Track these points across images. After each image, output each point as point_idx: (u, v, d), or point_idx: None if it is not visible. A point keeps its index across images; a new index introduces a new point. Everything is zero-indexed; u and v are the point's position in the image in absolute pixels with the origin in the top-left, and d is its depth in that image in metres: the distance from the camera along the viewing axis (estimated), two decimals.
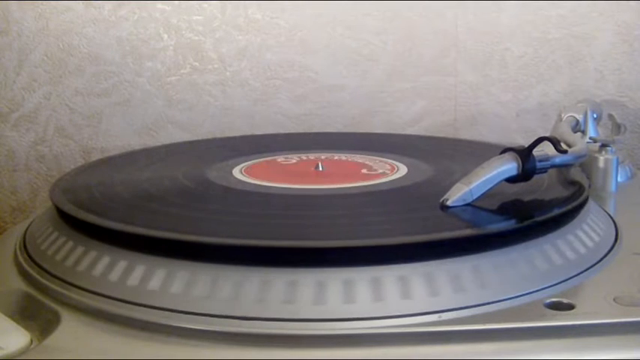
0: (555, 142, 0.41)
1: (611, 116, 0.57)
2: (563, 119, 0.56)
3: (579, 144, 0.45)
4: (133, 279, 0.33)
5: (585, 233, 0.38)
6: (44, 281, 0.35)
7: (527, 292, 0.32)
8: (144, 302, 0.32)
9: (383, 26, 0.70)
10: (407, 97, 0.71)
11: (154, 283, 0.32)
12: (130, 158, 0.55)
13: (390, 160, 0.51)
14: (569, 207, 0.39)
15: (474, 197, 0.38)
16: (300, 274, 0.31)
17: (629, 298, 0.32)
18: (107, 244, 0.35)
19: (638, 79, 0.69)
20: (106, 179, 0.47)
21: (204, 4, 0.68)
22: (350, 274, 0.31)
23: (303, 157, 0.53)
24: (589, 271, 0.35)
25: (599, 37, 0.69)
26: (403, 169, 0.48)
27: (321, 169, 0.49)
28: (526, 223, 0.37)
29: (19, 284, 0.36)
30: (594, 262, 0.36)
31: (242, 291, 0.31)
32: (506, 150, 0.40)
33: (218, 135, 0.69)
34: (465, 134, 0.72)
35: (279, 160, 0.53)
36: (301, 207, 0.41)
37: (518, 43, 0.70)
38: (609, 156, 0.51)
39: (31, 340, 0.31)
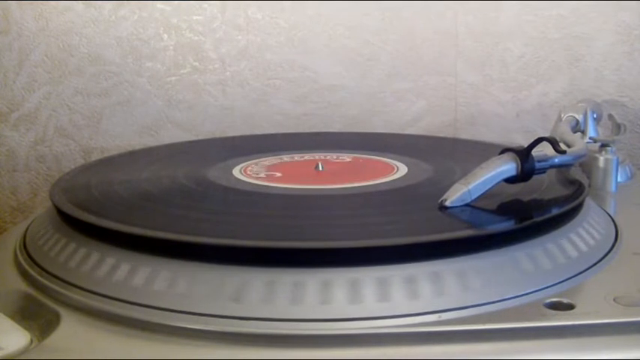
0: (554, 143, 0.41)
1: (611, 116, 0.57)
2: (563, 119, 0.56)
3: (578, 144, 0.45)
4: (134, 279, 0.33)
5: (585, 233, 0.38)
6: (44, 281, 0.35)
7: (527, 292, 0.32)
8: (144, 302, 0.32)
9: (383, 26, 0.70)
10: (407, 97, 0.71)
11: (155, 283, 0.32)
12: (130, 158, 0.55)
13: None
14: (569, 207, 0.39)
15: (473, 197, 0.38)
16: (305, 275, 0.31)
17: (629, 298, 0.32)
18: (107, 244, 0.35)
19: (638, 79, 0.69)
20: (106, 179, 0.47)
21: (204, 4, 0.68)
22: (356, 274, 0.31)
23: (303, 157, 0.53)
24: (589, 271, 0.35)
25: (599, 37, 0.69)
26: (403, 169, 0.48)
27: (321, 169, 0.49)
28: (525, 223, 0.37)
29: (19, 284, 0.36)
30: (594, 261, 0.36)
31: (246, 291, 0.31)
32: (505, 150, 0.40)
33: (218, 135, 0.69)
34: (465, 134, 0.71)
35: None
36: (301, 207, 0.41)
37: (518, 43, 0.70)
38: (609, 156, 0.51)
39: (31, 340, 0.31)
